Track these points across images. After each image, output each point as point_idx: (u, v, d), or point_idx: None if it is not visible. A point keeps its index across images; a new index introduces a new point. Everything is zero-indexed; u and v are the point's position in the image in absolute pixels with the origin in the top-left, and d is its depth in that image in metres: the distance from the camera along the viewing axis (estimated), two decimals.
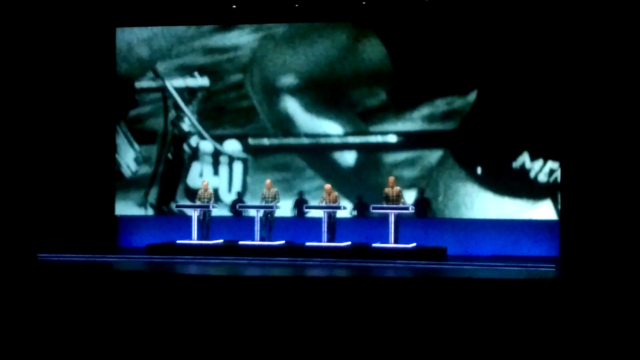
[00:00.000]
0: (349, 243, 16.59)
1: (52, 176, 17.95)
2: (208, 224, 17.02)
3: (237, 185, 18.01)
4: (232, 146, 18.07)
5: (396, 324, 9.82)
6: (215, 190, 17.92)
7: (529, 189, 16.58)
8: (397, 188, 16.31)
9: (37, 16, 17.72)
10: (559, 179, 16.45)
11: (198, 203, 17.02)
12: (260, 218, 16.65)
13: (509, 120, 16.68)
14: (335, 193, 16.64)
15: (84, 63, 18.06)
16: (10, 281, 12.71)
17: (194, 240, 16.75)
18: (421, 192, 17.02)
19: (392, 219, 15.96)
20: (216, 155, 18.16)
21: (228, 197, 18.00)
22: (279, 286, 12.46)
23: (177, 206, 17.44)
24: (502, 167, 16.72)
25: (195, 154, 18.24)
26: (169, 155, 18.33)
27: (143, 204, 18.30)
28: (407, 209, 16.07)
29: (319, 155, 17.65)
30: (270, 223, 16.78)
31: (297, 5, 17.31)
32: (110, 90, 18.28)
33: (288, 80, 17.75)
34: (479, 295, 11.32)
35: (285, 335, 9.39)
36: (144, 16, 18.06)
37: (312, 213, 16.97)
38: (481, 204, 16.78)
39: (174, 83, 18.27)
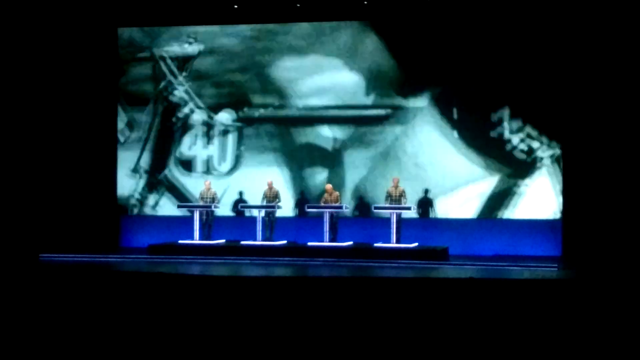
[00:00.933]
0: (350, 243, 16.58)
1: (54, 176, 17.96)
2: (210, 224, 17.02)
3: (230, 155, 18.00)
4: (224, 116, 18.05)
5: (398, 324, 9.82)
6: (209, 159, 17.97)
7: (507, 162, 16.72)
8: (401, 188, 16.29)
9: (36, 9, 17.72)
10: (534, 146, 16.51)
11: (201, 203, 17.02)
12: (262, 218, 16.65)
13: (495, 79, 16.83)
14: (337, 193, 16.64)
15: (84, 61, 18.08)
16: (12, 281, 12.71)
17: (196, 240, 16.74)
18: (425, 192, 17.01)
19: (394, 219, 15.95)
20: (208, 125, 18.14)
21: (222, 167, 17.99)
22: (281, 286, 12.46)
23: (180, 206, 17.43)
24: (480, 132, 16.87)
25: (187, 123, 18.22)
26: (161, 123, 18.29)
27: (136, 170, 18.29)
28: (409, 208, 16.07)
29: (309, 126, 17.69)
30: (272, 223, 16.78)
31: (298, 5, 17.32)
32: (112, 93, 18.33)
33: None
34: (481, 295, 11.31)
35: (288, 335, 9.39)
36: (146, 16, 18.06)
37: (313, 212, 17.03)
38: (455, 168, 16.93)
39: (167, 49, 18.26)
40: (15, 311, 10.47)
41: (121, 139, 18.41)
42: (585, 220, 16.04)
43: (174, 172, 18.28)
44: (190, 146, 18.23)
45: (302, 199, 17.58)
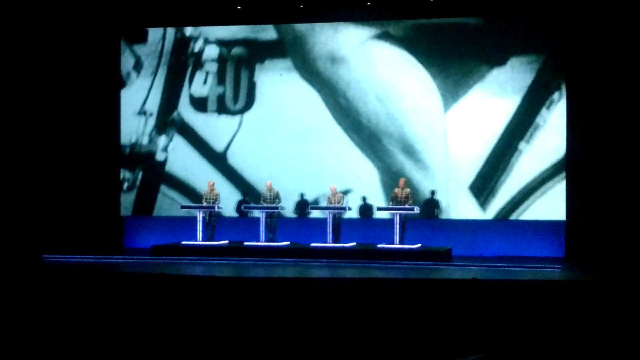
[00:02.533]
0: (354, 244, 16.57)
1: (57, 177, 17.98)
2: (213, 225, 17.02)
3: (243, 93, 17.79)
4: (238, 51, 17.83)
5: (401, 325, 9.81)
6: (221, 98, 17.83)
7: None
8: (407, 190, 16.26)
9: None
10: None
11: (204, 204, 17.01)
12: (265, 219, 16.63)
13: None
14: (340, 194, 16.62)
15: (86, 64, 18.09)
16: (15, 282, 12.71)
17: (199, 241, 16.74)
18: (432, 194, 16.97)
19: (397, 220, 15.92)
20: (221, 61, 17.93)
21: (233, 106, 17.80)
22: (284, 287, 12.44)
23: (183, 207, 17.42)
24: None
25: (199, 60, 18.01)
26: (170, 61, 18.03)
27: (143, 113, 18.18)
28: (412, 209, 16.03)
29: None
30: (274, 224, 16.76)
31: (301, 6, 17.32)
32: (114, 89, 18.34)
33: None
34: (484, 296, 11.29)
35: (290, 336, 9.38)
36: (150, 18, 18.09)
37: (316, 213, 17.02)
38: None
39: None
40: (18, 312, 10.47)
41: (128, 80, 18.08)
42: (589, 221, 16.01)
43: (187, 111, 17.99)
44: (203, 84, 17.93)
45: (302, 200, 17.55)
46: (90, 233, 17.87)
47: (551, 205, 16.42)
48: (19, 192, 17.70)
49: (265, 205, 16.78)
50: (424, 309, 10.66)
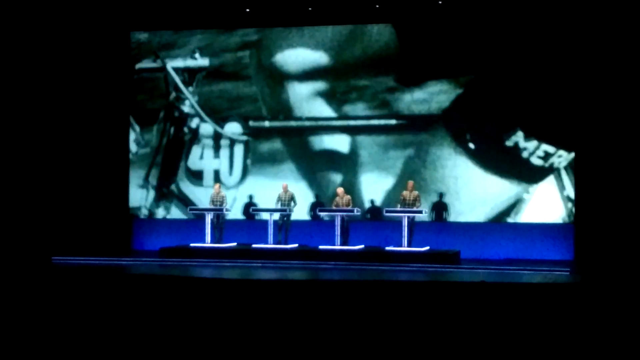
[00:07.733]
0: (362, 246, 16.57)
1: (66, 179, 18.01)
2: (221, 227, 17.04)
3: (237, 168, 18.03)
4: (233, 128, 18.07)
5: (409, 327, 9.81)
6: (217, 172, 18.09)
7: (521, 169, 16.69)
8: (415, 192, 16.25)
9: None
10: (555, 164, 16.45)
11: (211, 206, 17.03)
12: (276, 221, 16.64)
13: (505, 99, 16.78)
14: (348, 196, 16.62)
15: (97, 65, 18.13)
16: (25, 284, 12.76)
17: (208, 244, 16.77)
18: (440, 196, 16.96)
19: (405, 223, 15.91)
20: (217, 137, 18.22)
21: (229, 180, 18.06)
22: (292, 289, 12.45)
23: (191, 209, 17.46)
24: (494, 144, 16.81)
25: (195, 136, 18.30)
26: (169, 136, 18.37)
27: (145, 186, 18.35)
28: (420, 212, 16.02)
29: (317, 137, 17.77)
30: (287, 226, 16.77)
31: (310, 9, 17.34)
32: (123, 93, 18.39)
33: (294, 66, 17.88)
34: (493, 299, 11.28)
35: (299, 339, 9.39)
36: (158, 20, 18.14)
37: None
38: (470, 180, 16.90)
39: (174, 64, 18.33)
40: (28, 313, 10.51)
41: (132, 149, 18.48)
42: (597, 224, 15.97)
43: (184, 184, 18.34)
44: (200, 157, 18.26)
45: (317, 202, 17.56)
46: (100, 235, 17.90)
47: (555, 209, 16.40)
48: (28, 194, 17.75)
49: (273, 208, 16.78)
50: (432, 312, 10.66)
